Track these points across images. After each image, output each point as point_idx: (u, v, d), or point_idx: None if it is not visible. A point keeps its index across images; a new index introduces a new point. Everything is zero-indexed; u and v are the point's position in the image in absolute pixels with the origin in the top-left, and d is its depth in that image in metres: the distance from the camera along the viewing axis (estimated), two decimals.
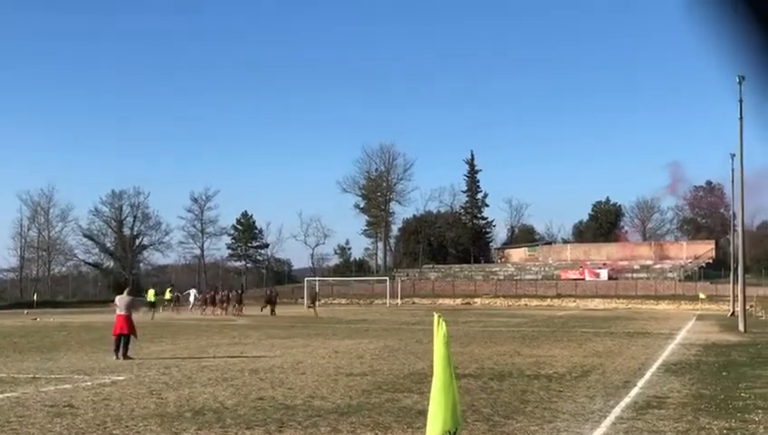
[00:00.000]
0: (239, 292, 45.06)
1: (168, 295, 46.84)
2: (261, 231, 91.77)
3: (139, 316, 37.48)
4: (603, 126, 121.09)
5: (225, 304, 42.09)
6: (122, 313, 16.92)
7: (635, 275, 69.91)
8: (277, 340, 22.17)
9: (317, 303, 43.30)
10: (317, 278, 66.25)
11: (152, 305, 39.03)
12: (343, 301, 66.27)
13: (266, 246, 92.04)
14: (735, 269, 36.68)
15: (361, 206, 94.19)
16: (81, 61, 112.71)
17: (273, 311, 39.95)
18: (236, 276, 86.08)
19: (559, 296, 64.09)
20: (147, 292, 42.13)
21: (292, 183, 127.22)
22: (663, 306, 55.22)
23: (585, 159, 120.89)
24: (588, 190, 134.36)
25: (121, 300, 17.22)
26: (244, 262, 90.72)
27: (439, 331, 5.41)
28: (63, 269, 79.61)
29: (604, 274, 70.36)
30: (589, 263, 74.74)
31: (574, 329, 27.86)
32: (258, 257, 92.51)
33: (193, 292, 48.68)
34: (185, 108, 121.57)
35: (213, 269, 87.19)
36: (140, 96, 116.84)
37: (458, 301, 64.68)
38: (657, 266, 73.04)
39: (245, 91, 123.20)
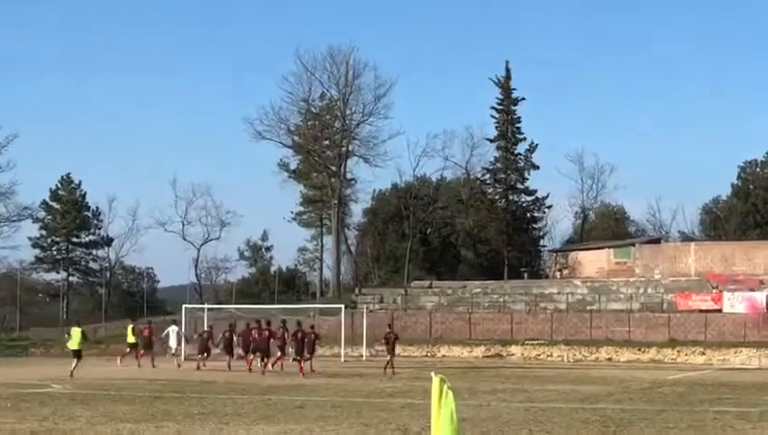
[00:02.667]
0: (283, 328, 45.89)
1: (130, 337, 49.97)
2: (98, 214, 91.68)
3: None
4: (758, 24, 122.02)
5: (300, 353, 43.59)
6: None
7: None
8: (127, 424, 22.19)
9: (211, 348, 45.00)
10: (206, 306, 66.02)
11: (77, 355, 42.21)
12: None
13: (108, 242, 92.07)
14: None
15: (292, 167, 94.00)
16: None
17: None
18: (48, 300, 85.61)
19: (673, 344, 64.55)
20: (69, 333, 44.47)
21: (155, 123, 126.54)
22: None
23: (722, 85, 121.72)
24: (729, 143, 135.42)
25: None
26: (64, 272, 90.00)
27: (442, 407, 5.41)
28: None
29: (761, 299, 70.86)
30: (731, 278, 75.20)
31: (701, 407, 28.13)
32: (92, 264, 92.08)
33: (173, 330, 51.11)
34: None
35: (4, 284, 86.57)
36: None
37: (480, 350, 64.96)
38: None
39: None
